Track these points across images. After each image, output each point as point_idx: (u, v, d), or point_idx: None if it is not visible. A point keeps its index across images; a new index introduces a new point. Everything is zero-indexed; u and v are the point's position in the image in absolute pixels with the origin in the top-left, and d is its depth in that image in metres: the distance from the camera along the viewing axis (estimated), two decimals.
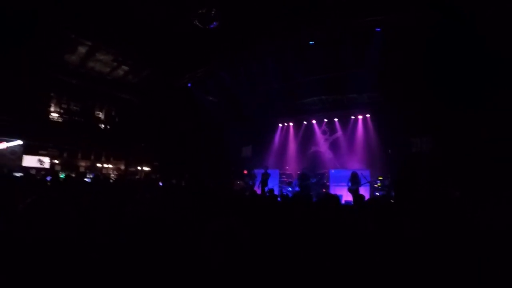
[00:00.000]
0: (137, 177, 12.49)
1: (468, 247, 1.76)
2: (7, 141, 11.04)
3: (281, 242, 1.90)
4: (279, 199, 5.66)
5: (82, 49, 10.18)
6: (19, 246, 1.24)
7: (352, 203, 7.48)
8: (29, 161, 11.49)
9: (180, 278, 1.35)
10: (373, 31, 7.53)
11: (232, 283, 1.12)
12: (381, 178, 9.13)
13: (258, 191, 9.64)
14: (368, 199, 4.56)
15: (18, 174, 8.73)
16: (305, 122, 12.29)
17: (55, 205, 1.52)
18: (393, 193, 8.10)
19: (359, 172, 8.62)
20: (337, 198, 4.81)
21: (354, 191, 8.33)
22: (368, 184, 8.84)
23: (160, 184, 7.98)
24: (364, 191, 8.53)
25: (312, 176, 10.00)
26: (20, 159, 11.24)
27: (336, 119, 11.56)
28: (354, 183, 8.45)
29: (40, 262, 1.20)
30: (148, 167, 14.33)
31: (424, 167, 8.04)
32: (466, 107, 6.86)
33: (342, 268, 1.57)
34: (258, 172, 10.50)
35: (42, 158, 11.75)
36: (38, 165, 11.59)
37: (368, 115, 10.73)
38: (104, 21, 8.51)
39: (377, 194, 8.86)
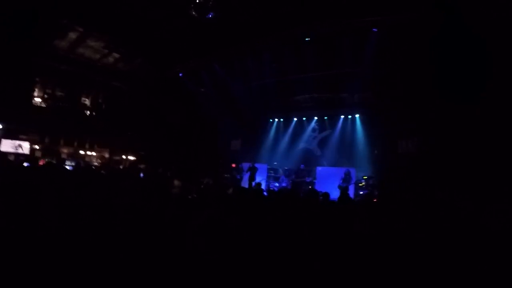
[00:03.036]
0: (121, 166, 12.19)
1: (455, 248, 1.79)
2: None
3: (267, 236, 1.87)
4: (265, 193, 5.66)
5: (72, 35, 9.78)
6: None
7: (337, 200, 7.57)
8: (8, 146, 10.98)
9: (167, 270, 1.31)
10: (368, 32, 7.54)
11: (220, 274, 1.09)
12: (365, 177, 9.29)
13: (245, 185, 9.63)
14: (356, 200, 4.63)
15: None
16: (295, 119, 12.34)
17: (28, 192, 1.43)
18: (376, 193, 8.27)
19: (351, 171, 8.77)
20: (318, 193, 4.84)
21: (344, 188, 8.43)
22: (353, 183, 9.00)
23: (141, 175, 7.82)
24: (349, 190, 8.68)
25: (307, 175, 10.08)
26: None
27: (326, 118, 11.66)
28: (345, 181, 8.58)
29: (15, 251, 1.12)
30: (133, 156, 14.02)
31: (409, 169, 8.23)
32: (455, 109, 6.97)
33: (329, 264, 1.57)
34: (246, 166, 10.48)
35: (21, 143, 11.25)
36: (16, 150, 11.11)
37: (357, 115, 10.88)
38: (97, 8, 8.19)
39: (361, 192, 9.02)
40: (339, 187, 8.55)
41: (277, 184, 10.81)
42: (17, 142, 11.20)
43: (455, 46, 6.55)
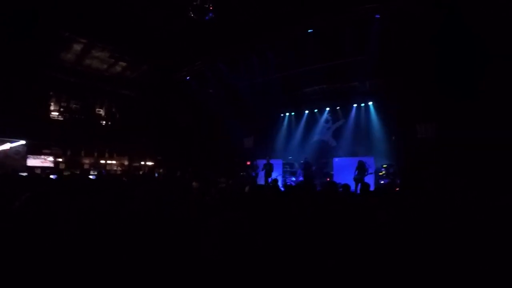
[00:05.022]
0: (140, 172, 12.53)
1: (476, 240, 1.70)
2: (10, 142, 11.09)
3: (285, 235, 1.84)
4: (282, 189, 5.62)
5: (77, 47, 10.07)
6: (15, 243, 1.20)
7: (359, 192, 7.41)
8: (33, 160, 11.56)
9: (181, 275, 1.31)
10: (371, 20, 7.33)
11: (235, 280, 1.07)
12: (385, 166, 9.03)
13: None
14: (376, 188, 4.50)
15: (23, 174, 8.78)
16: (307, 111, 12.17)
17: (52, 202, 1.47)
18: (399, 181, 8.03)
19: (365, 161, 8.54)
20: (337, 185, 4.73)
21: (359, 180, 8.25)
22: (373, 172, 8.76)
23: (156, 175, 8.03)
24: (369, 180, 8.46)
25: (314, 164, 9.96)
26: (24, 159, 11.30)
27: (338, 108, 11.43)
28: (360, 172, 8.37)
29: (36, 258, 1.16)
30: (151, 161, 14.38)
31: (430, 154, 7.93)
32: (467, 95, 6.81)
33: (352, 263, 1.52)
34: (261, 163, 10.46)
35: (45, 157, 11.80)
36: (42, 164, 11.67)
37: (370, 103, 10.58)
38: (98, 18, 8.36)
39: (382, 182, 8.78)
40: (354, 179, 8.37)
41: (293, 179, 10.73)
42: (42, 157, 11.76)
43: (454, 45, 6.56)
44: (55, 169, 11.39)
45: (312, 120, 12.03)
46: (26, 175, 8.16)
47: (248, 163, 11.21)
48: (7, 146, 11.00)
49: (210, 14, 6.97)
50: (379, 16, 7.17)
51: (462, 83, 6.68)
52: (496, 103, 6.51)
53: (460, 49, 6.53)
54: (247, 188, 5.09)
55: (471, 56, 6.46)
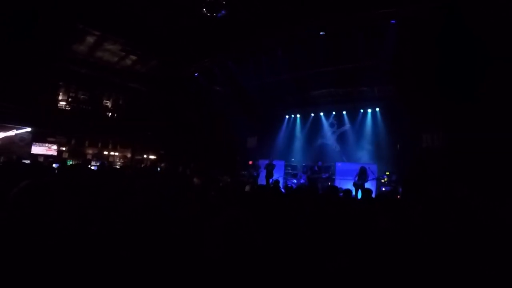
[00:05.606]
0: (142, 165, 12.58)
1: (480, 245, 1.66)
2: (17, 129, 11.21)
3: (287, 237, 1.82)
4: (283, 190, 5.59)
5: (90, 39, 10.15)
6: (11, 233, 1.19)
7: (359, 197, 7.35)
8: (38, 148, 11.66)
9: (183, 273, 1.29)
10: (386, 23, 7.24)
11: (236, 279, 1.05)
12: (388, 173, 8.95)
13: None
14: (377, 195, 4.45)
15: (26, 161, 8.86)
16: (312, 114, 12.11)
17: (50, 190, 1.46)
18: (401, 189, 7.96)
19: (367, 167, 8.47)
20: (338, 190, 4.69)
21: (359, 185, 8.19)
22: (375, 179, 8.69)
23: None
24: (370, 186, 8.39)
25: (324, 171, 9.91)
26: (29, 146, 11.41)
27: (344, 112, 11.35)
28: (361, 178, 8.30)
29: (31, 250, 1.15)
30: (154, 155, 14.43)
31: (435, 164, 7.83)
32: (467, 97, 6.73)
33: (353, 266, 1.49)
34: (263, 163, 10.44)
35: (49, 145, 11.91)
36: (46, 152, 11.77)
37: (377, 109, 10.49)
38: (112, 11, 8.41)
39: (383, 189, 8.70)
40: (354, 184, 8.30)
41: (295, 181, 10.69)
42: (46, 145, 11.86)
43: (455, 47, 6.45)
44: (58, 157, 11.48)
45: (317, 124, 11.96)
46: (28, 163, 8.23)
47: (250, 162, 11.19)
48: (12, 132, 11.11)
49: (223, 11, 6.96)
50: (394, 21, 7.08)
51: (463, 85, 6.59)
52: (497, 106, 6.43)
53: (461, 52, 6.43)
54: (247, 187, 5.07)
55: (472, 58, 6.37)
